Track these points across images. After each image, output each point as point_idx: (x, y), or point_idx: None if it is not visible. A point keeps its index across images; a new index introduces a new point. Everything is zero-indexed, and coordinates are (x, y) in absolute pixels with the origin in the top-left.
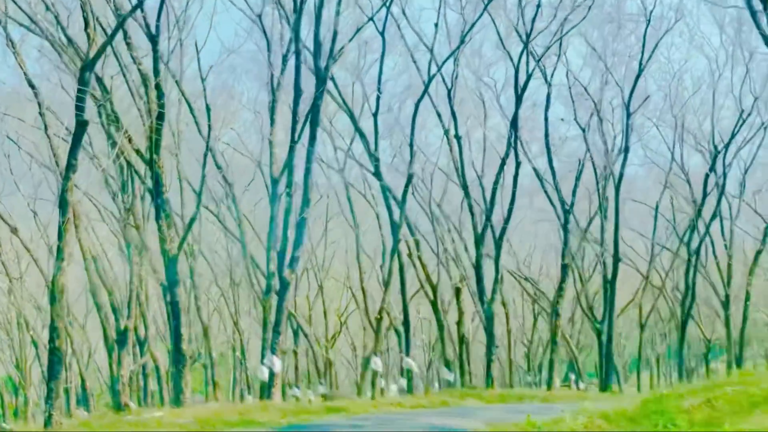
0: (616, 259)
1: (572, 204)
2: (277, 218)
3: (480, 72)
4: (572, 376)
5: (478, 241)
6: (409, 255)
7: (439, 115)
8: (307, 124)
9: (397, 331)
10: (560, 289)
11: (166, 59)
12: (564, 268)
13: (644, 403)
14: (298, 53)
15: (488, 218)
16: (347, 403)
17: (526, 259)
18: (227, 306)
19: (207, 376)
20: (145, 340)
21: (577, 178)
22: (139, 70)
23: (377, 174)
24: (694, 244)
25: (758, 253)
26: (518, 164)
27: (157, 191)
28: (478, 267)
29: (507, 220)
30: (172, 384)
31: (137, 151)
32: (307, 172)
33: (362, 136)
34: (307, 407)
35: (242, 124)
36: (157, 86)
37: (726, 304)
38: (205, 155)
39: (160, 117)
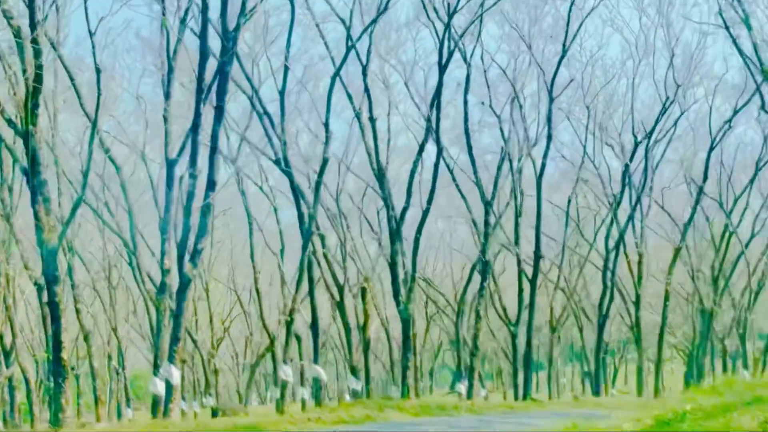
0: (538, 257)
1: (493, 196)
2: (173, 205)
3: (395, 50)
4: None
5: (394, 235)
6: (313, 252)
7: (349, 96)
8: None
9: (297, 336)
10: (482, 289)
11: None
12: (485, 265)
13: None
14: (205, 7)
15: (405, 211)
16: (257, 420)
17: (425, 259)
18: (104, 310)
19: (79, 389)
20: (12, 348)
21: (500, 168)
22: (9, 24)
23: (285, 160)
24: (608, 242)
25: (677, 250)
26: (440, 150)
27: (33, 171)
28: (393, 264)
29: (426, 213)
30: (50, 400)
31: (9, 121)
32: (213, 150)
33: (265, 115)
34: (211, 426)
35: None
36: (34, 41)
37: (637, 304)
38: (94, 125)
39: (38, 80)
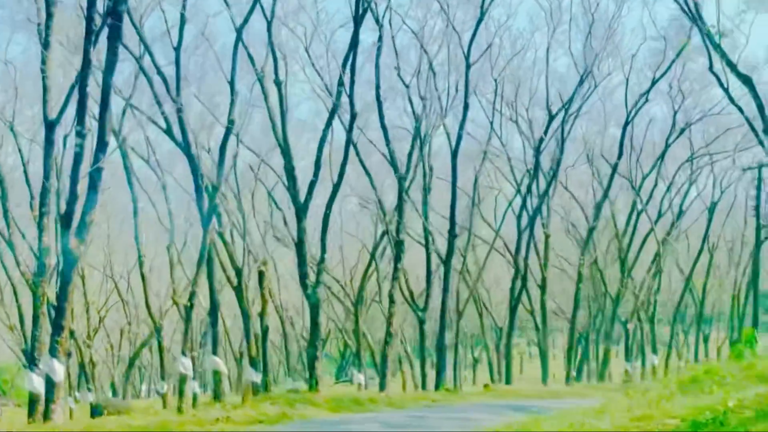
0: (453, 236)
1: (408, 169)
2: (53, 173)
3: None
4: (353, 371)
5: (301, 212)
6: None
7: (251, 58)
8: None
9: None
10: (396, 270)
11: None
12: (398, 245)
13: None
14: None
15: (313, 185)
16: (157, 420)
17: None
18: None
19: None
20: None
21: (415, 138)
22: None
23: (181, 124)
24: (520, 223)
25: (591, 230)
26: (354, 115)
27: None
28: (300, 244)
29: (337, 186)
30: None
31: None
32: (104, 105)
33: (158, 75)
34: (103, 428)
35: None
36: None
37: (543, 287)
38: None
39: None
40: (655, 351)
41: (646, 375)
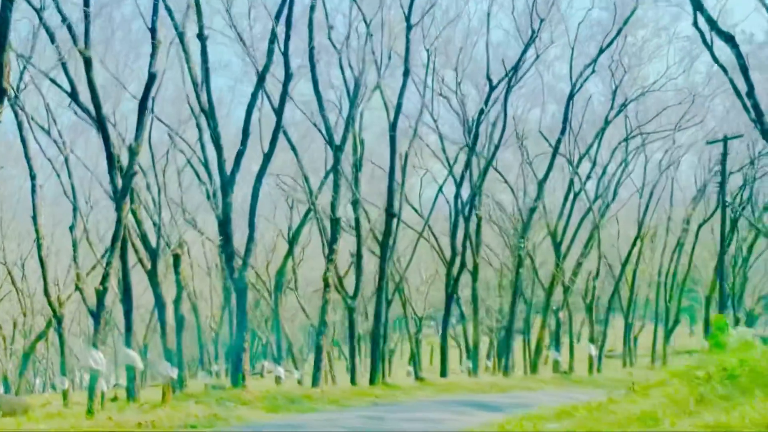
0: (390, 215)
1: (344, 140)
2: None
3: None
4: (264, 364)
5: (227, 185)
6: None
7: (169, 11)
8: None
9: (91, 311)
10: (331, 252)
11: None
12: (335, 223)
13: None
14: None
15: (240, 155)
16: (63, 425)
17: None
18: None
19: None
20: None
21: (353, 104)
22: None
23: (90, 84)
24: (458, 203)
25: (532, 210)
26: (289, 77)
27: None
28: (225, 222)
29: (269, 156)
30: None
31: None
32: (2, 41)
33: (64, 23)
34: None
35: None
36: None
37: (475, 274)
38: None
39: None
40: (592, 340)
41: (576, 365)
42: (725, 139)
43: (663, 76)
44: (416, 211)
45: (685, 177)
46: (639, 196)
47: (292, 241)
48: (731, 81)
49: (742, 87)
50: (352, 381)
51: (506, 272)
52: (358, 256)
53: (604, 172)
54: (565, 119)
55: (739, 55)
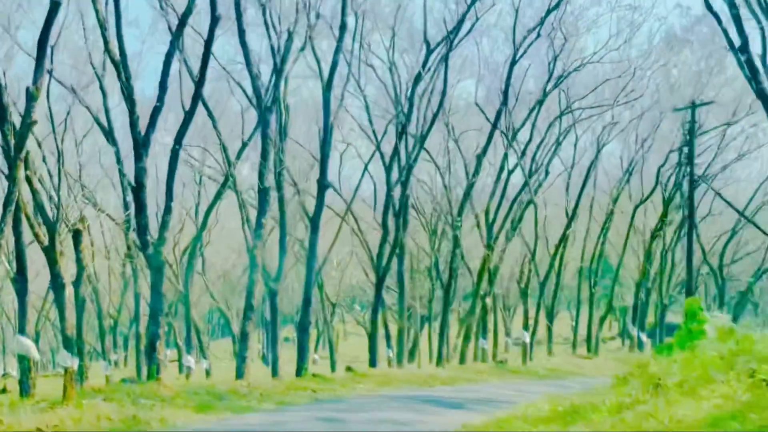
0: (324, 186)
1: (274, 99)
2: None
3: None
4: (168, 352)
5: (142, 147)
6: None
7: None
8: None
9: None
10: (259, 226)
11: None
12: (263, 194)
13: None
14: None
15: (157, 111)
16: None
17: None
18: None
19: None
20: None
21: (285, 60)
22: None
23: None
24: (390, 179)
25: (470, 185)
26: (216, 19)
27: None
28: (139, 189)
29: (191, 113)
30: None
31: None
32: None
33: None
34: None
35: None
36: None
37: (401, 255)
38: None
39: None
40: (526, 327)
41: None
42: (693, 106)
43: (604, 47)
44: (336, 190)
45: (609, 159)
46: (567, 175)
47: (206, 218)
48: (725, 33)
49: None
50: (274, 372)
51: (423, 256)
52: (282, 233)
53: (537, 149)
54: (507, 88)
55: (732, 5)
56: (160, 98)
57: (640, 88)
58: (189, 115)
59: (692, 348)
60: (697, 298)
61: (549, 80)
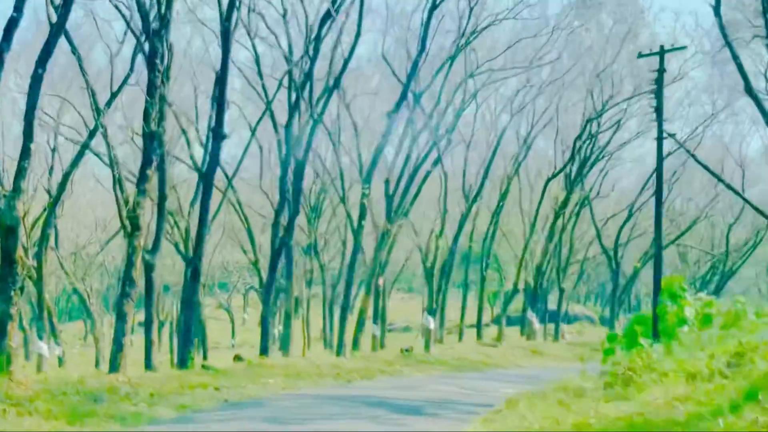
0: (220, 136)
1: (164, 23)
2: None
3: None
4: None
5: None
6: None
7: None
8: None
9: None
10: (144, 179)
11: None
12: (149, 139)
13: None
14: None
15: (14, 23)
16: None
17: None
18: None
19: None
20: None
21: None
22: None
23: None
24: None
25: (379, 150)
26: None
27: None
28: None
29: (62, 20)
30: None
31: None
32: None
33: None
34: None
35: None
36: None
37: (289, 230)
38: None
39: None
40: (432, 312)
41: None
42: (662, 52)
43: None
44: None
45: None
46: (466, 147)
47: (64, 182)
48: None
49: None
50: (147, 363)
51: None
52: (162, 196)
53: (444, 114)
54: (424, 39)
55: None
56: (18, 7)
57: (558, 50)
58: (59, 26)
59: (670, 342)
60: (678, 276)
61: (462, 35)
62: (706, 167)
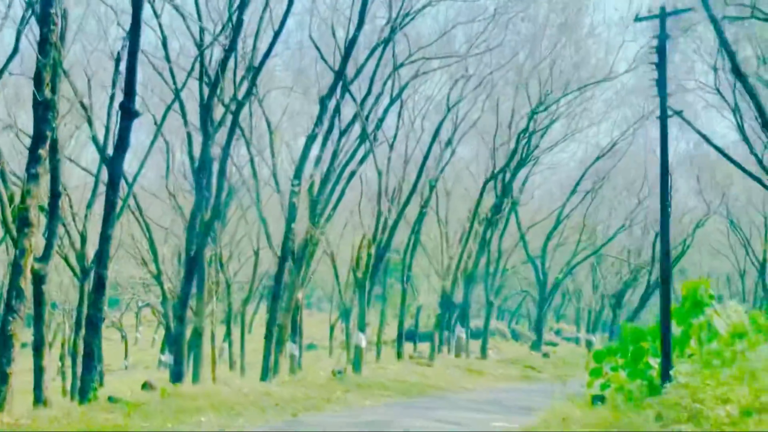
0: (129, 112)
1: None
2: None
3: None
4: None
5: None
6: None
7: None
8: None
9: None
10: (42, 139)
11: None
12: (41, 108)
13: None
14: None
15: None
16: None
17: None
18: None
19: None
20: None
21: None
22: None
23: None
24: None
25: (311, 138)
26: None
27: None
28: None
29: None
30: None
31: None
32: None
33: None
34: None
35: None
36: None
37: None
38: None
39: None
40: (362, 327)
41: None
42: (663, 15)
43: None
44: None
45: None
46: (389, 146)
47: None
48: None
49: None
50: (37, 398)
51: None
52: (54, 193)
53: (375, 104)
54: (362, 11)
55: None
56: None
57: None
58: None
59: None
60: (705, 279)
61: (397, 16)
62: (705, 138)
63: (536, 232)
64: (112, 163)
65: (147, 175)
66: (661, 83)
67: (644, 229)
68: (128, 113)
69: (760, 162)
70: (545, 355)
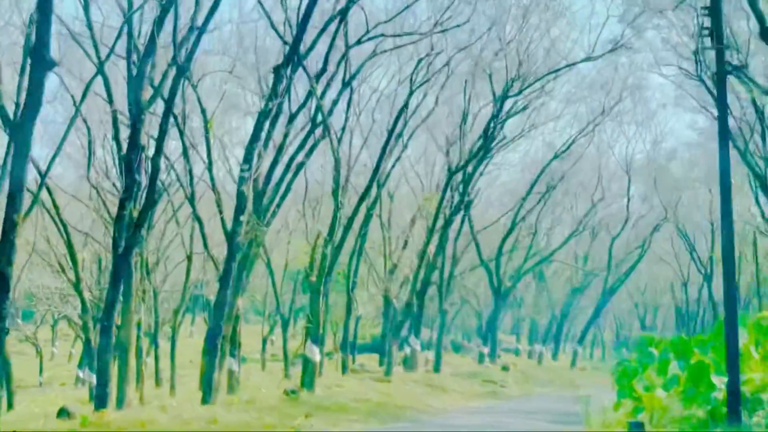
0: (45, 63)
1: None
2: None
3: None
4: None
5: None
6: None
7: None
8: None
9: None
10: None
11: None
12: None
13: None
14: None
15: None
16: None
17: None
18: None
19: None
20: None
21: None
22: None
23: None
24: None
25: (262, 114)
26: None
27: None
28: None
29: None
30: None
31: None
32: None
33: None
34: None
35: None
36: None
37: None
38: None
39: None
40: (316, 340)
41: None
42: None
43: None
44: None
45: None
46: (338, 140)
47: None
48: None
49: None
50: None
51: None
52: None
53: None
54: None
55: None
56: None
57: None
58: None
59: None
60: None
61: None
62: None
63: (485, 236)
64: (22, 126)
65: (65, 176)
66: (717, 34)
67: (593, 234)
68: (41, 62)
69: None
70: (504, 368)
